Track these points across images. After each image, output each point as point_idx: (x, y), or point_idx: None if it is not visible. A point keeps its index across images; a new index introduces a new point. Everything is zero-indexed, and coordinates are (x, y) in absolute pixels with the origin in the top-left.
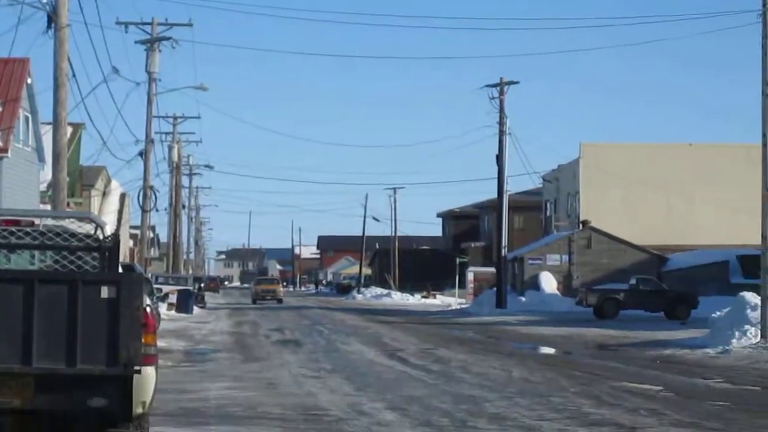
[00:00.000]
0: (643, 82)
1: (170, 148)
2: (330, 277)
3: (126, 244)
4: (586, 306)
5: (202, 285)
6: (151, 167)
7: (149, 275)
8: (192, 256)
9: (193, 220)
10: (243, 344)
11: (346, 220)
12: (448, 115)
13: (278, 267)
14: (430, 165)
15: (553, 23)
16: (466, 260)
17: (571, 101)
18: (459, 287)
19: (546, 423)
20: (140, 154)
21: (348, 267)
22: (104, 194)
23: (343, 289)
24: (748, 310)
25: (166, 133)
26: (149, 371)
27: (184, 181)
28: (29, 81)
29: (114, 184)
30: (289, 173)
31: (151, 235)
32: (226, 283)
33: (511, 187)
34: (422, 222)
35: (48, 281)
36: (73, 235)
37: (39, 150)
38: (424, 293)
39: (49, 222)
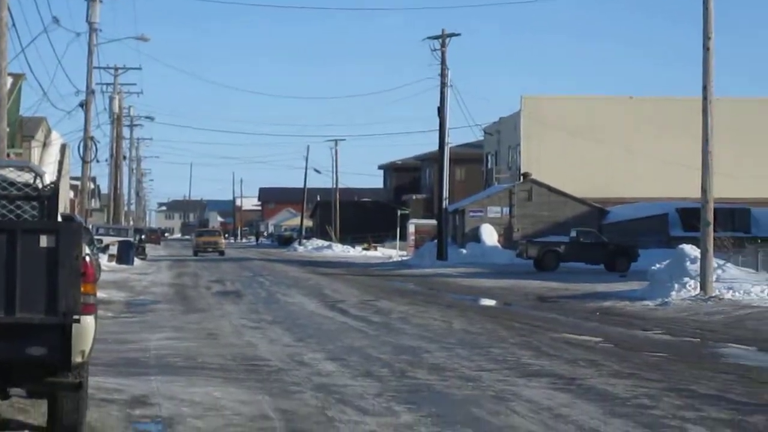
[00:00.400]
0: (584, 35)
1: (111, 99)
2: (271, 229)
3: (66, 196)
4: (526, 258)
5: (143, 236)
6: (92, 118)
7: (90, 226)
8: (133, 207)
9: (134, 171)
10: (184, 295)
11: (288, 172)
12: (389, 67)
13: (219, 219)
14: (372, 117)
15: None
16: (407, 212)
17: (512, 54)
18: (400, 239)
19: (485, 373)
20: (81, 105)
21: (289, 219)
22: (45, 145)
23: (285, 241)
24: (688, 263)
25: (107, 84)
26: (88, 320)
27: (125, 132)
28: None
29: (54, 135)
30: (231, 125)
31: (92, 186)
32: (167, 234)
33: (453, 139)
34: (364, 174)
35: None
36: (12, 184)
37: None
38: (365, 245)
39: None
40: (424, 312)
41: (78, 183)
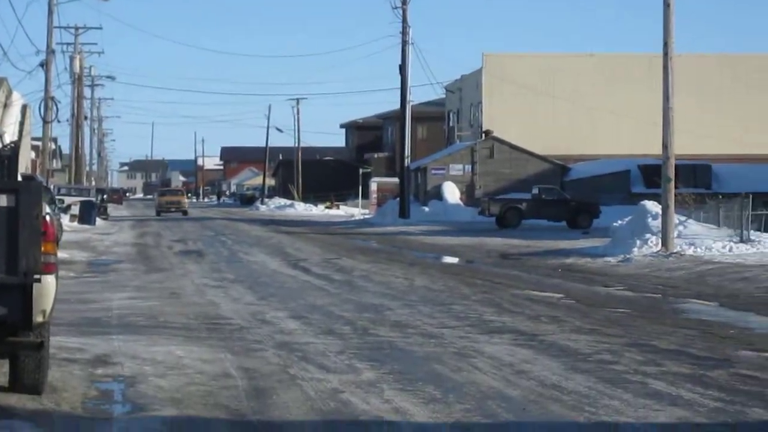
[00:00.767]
0: None
1: (72, 59)
2: (233, 188)
3: (28, 156)
4: (488, 215)
5: (105, 197)
6: (53, 79)
7: (51, 186)
8: (95, 167)
9: (96, 131)
10: (146, 255)
11: (250, 131)
12: (351, 26)
13: (181, 178)
14: (334, 75)
15: None
16: (369, 171)
17: (474, 12)
18: (362, 198)
19: (447, 330)
20: (41, 65)
21: (251, 178)
22: (5, 106)
23: (247, 201)
24: (649, 219)
25: (68, 44)
26: (49, 280)
27: (86, 92)
28: None
29: (15, 95)
30: (192, 84)
31: (53, 146)
32: (129, 195)
33: (415, 97)
34: (326, 133)
35: None
36: None
37: None
38: (328, 204)
39: None
40: (386, 270)
41: (39, 144)
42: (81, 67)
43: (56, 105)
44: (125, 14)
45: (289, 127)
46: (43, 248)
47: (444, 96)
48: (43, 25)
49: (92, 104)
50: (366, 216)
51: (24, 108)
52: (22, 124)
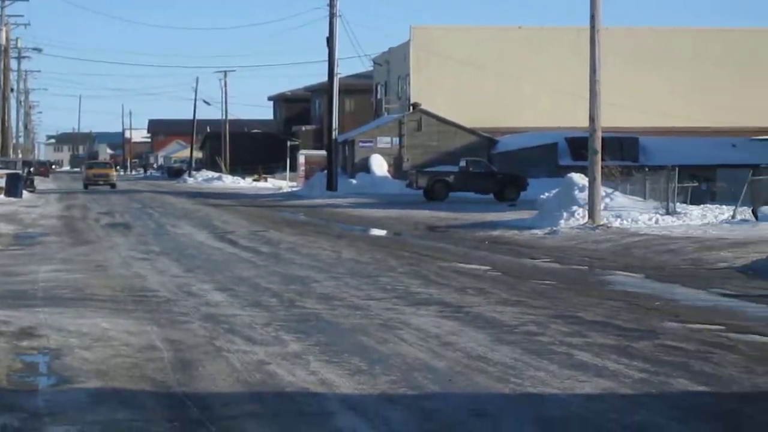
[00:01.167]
0: None
1: None
2: (161, 161)
3: None
4: (416, 188)
5: (32, 169)
6: None
7: None
8: (21, 140)
9: (22, 104)
10: (72, 228)
11: (178, 103)
12: None
13: (109, 151)
14: (262, 48)
15: None
16: (297, 143)
17: None
18: (290, 170)
19: (374, 302)
20: None
21: (179, 151)
22: None
23: (174, 173)
24: (576, 191)
25: None
26: None
27: (13, 64)
28: None
29: None
30: (119, 56)
31: None
32: (55, 167)
33: (343, 70)
34: (254, 105)
35: None
36: None
37: None
38: (255, 176)
39: None
40: (314, 242)
41: None
42: (7, 38)
43: None
44: None
45: (218, 99)
46: None
47: (372, 69)
48: None
49: (19, 76)
50: (294, 188)
51: None
52: None
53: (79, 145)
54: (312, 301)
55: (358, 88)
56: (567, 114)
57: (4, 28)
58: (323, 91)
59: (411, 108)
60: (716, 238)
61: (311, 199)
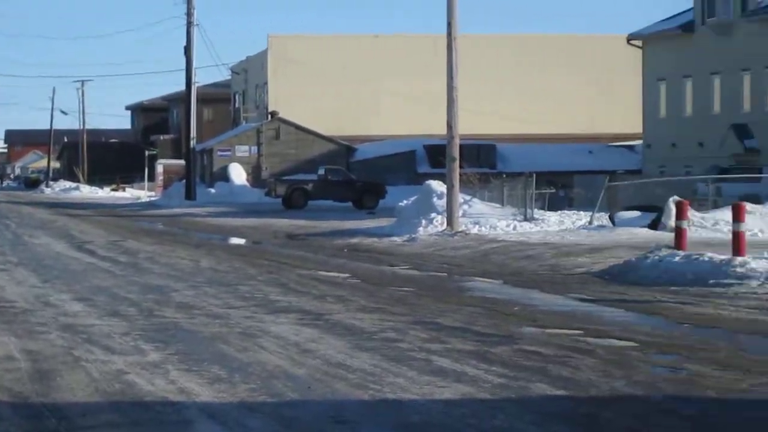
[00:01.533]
0: None
1: None
2: (18, 171)
3: None
4: (275, 197)
5: None
6: None
7: None
8: None
9: None
10: None
11: (35, 113)
12: (136, 6)
13: None
14: (119, 57)
15: None
16: (155, 153)
17: None
18: (148, 180)
19: (233, 311)
20: None
21: (36, 161)
22: None
23: (31, 184)
24: (435, 199)
25: None
26: None
27: None
28: None
29: None
30: None
31: None
32: None
33: (200, 78)
34: (112, 115)
35: None
36: None
37: None
38: (114, 186)
39: None
40: (172, 251)
41: None
42: None
43: None
44: None
45: (75, 109)
46: None
47: (230, 78)
48: None
49: None
50: (152, 198)
51: None
52: None
53: None
54: (171, 310)
55: (216, 97)
56: (425, 122)
57: None
58: (181, 100)
59: (269, 117)
60: (574, 244)
61: (170, 208)
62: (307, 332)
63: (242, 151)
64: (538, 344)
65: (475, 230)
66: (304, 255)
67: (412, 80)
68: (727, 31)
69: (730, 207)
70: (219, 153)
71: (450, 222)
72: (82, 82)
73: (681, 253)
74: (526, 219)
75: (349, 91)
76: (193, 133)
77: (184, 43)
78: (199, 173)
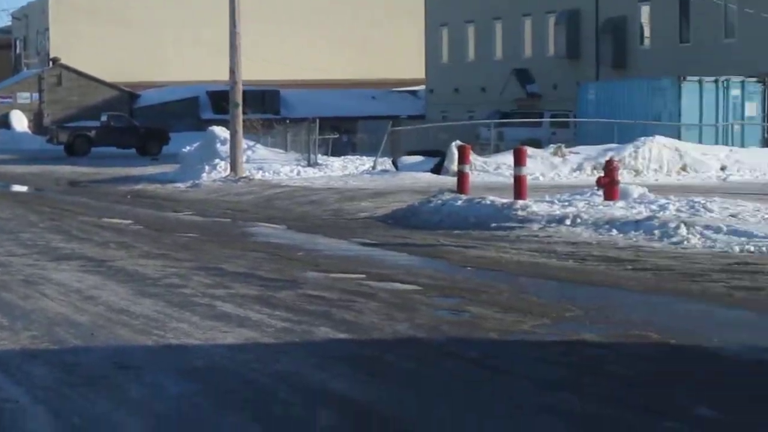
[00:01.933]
0: None
1: None
2: None
3: None
4: (57, 144)
5: None
6: None
7: None
8: None
9: None
10: None
11: None
12: None
13: None
14: None
15: None
16: None
17: None
18: None
19: (15, 258)
20: None
21: None
22: None
23: None
24: (218, 145)
25: None
26: None
27: None
28: None
29: None
30: None
31: None
32: None
33: None
34: None
35: None
36: None
37: None
38: None
39: None
40: None
41: None
42: None
43: None
44: None
45: None
46: None
47: (11, 23)
48: None
49: None
50: None
51: None
52: None
53: None
54: None
55: None
56: (209, 68)
57: None
58: None
59: (50, 63)
60: (357, 189)
61: None
62: (90, 279)
63: (23, 98)
64: (322, 288)
65: (258, 176)
66: (86, 202)
67: (197, 25)
68: None
69: (511, 151)
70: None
71: (234, 168)
72: None
73: (463, 197)
74: (309, 164)
75: (132, 37)
76: None
77: None
78: None
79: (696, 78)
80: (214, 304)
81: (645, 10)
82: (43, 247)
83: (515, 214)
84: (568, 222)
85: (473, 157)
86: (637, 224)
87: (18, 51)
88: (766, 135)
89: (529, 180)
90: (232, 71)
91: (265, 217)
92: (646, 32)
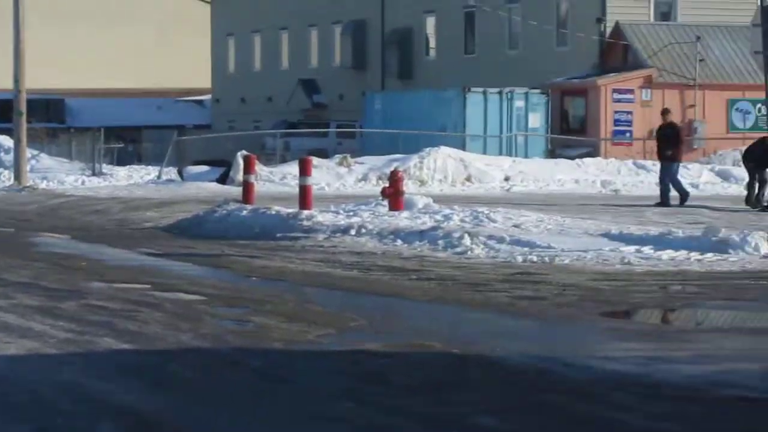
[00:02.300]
0: None
1: None
2: None
3: None
4: None
5: None
6: None
7: None
8: None
9: None
10: None
11: None
12: None
13: None
14: None
15: None
16: None
17: None
18: None
19: None
20: None
21: None
22: None
23: None
24: (2, 154)
25: None
26: None
27: None
28: None
29: None
30: None
31: None
32: None
33: None
34: None
35: None
36: None
37: None
38: None
39: None
40: None
41: None
42: None
43: None
44: None
45: None
46: None
47: None
48: None
49: None
50: None
51: None
52: None
53: None
54: None
55: None
56: None
57: None
58: None
59: None
60: (142, 198)
61: None
62: None
63: None
64: (106, 299)
65: (43, 185)
66: None
67: None
68: None
69: (297, 161)
70: None
71: (18, 177)
72: None
73: (249, 207)
74: (94, 174)
75: None
76: None
77: None
78: None
79: (480, 89)
80: None
81: (430, 22)
82: None
83: (300, 224)
84: (353, 232)
85: (259, 167)
86: (421, 234)
87: None
88: (549, 146)
89: (314, 190)
90: (16, 79)
91: (49, 226)
92: (432, 43)
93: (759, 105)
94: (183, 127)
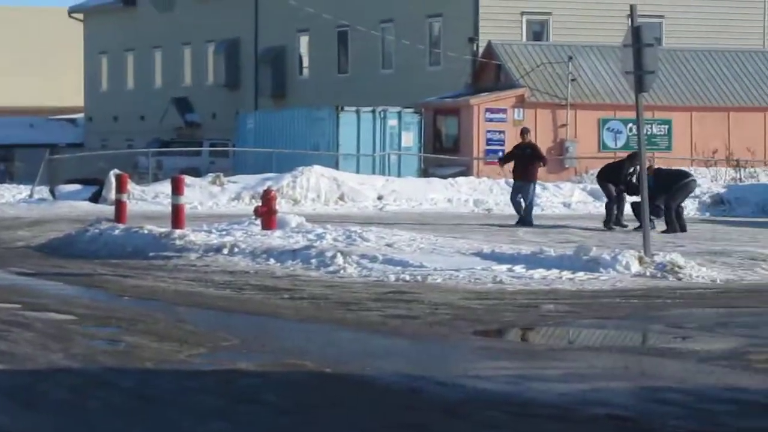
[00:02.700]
0: None
1: None
2: None
3: None
4: None
5: None
6: None
7: None
8: None
9: None
10: None
11: None
12: None
13: None
14: None
15: None
16: None
17: None
18: None
19: None
20: None
21: None
22: None
23: None
24: None
25: None
26: None
27: None
28: None
29: None
30: None
31: None
32: None
33: None
34: None
35: None
36: None
37: None
38: None
39: None
40: None
41: None
42: None
43: None
44: None
45: None
46: None
47: None
48: None
49: None
50: None
51: None
52: None
53: None
54: None
55: None
56: None
57: None
58: None
59: None
60: (14, 218)
61: None
62: None
63: None
64: None
65: None
66: None
67: None
68: (168, 6)
69: (170, 180)
70: None
71: None
72: None
73: (121, 226)
74: None
75: None
76: None
77: None
78: None
79: (354, 108)
80: None
81: (304, 41)
82: None
83: (173, 244)
84: (225, 251)
85: (131, 186)
86: (294, 253)
87: None
88: (422, 165)
89: (187, 209)
90: None
91: None
92: (305, 62)
93: (630, 125)
94: (55, 145)
